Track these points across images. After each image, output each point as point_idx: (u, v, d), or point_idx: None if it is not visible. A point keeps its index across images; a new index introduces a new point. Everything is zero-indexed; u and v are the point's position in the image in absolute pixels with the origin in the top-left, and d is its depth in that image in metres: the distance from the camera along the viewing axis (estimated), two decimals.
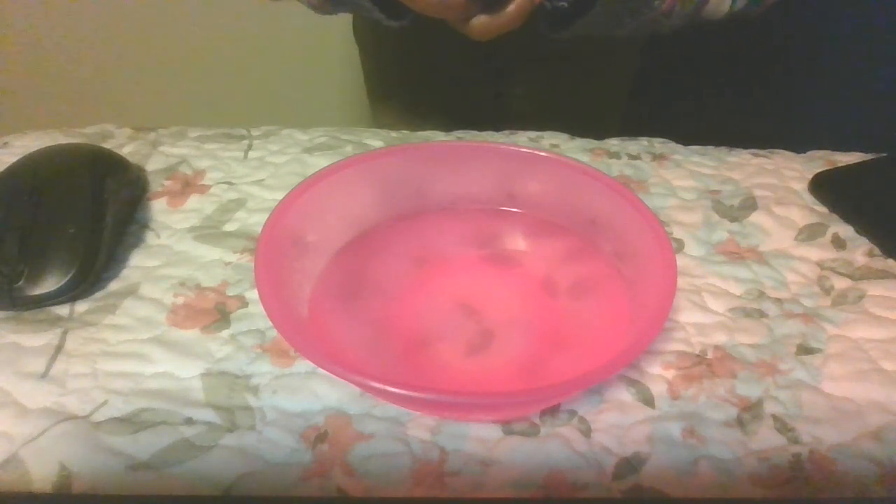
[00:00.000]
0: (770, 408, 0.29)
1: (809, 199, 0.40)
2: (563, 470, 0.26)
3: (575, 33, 0.41)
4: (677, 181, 0.41)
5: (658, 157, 0.43)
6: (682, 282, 0.34)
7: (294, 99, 1.12)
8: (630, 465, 0.27)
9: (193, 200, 0.39)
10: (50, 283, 0.31)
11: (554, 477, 0.26)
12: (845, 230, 0.38)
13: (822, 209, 0.39)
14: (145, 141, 0.43)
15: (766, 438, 0.28)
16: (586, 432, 0.28)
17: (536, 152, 0.34)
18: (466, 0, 0.35)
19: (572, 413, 0.28)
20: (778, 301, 0.34)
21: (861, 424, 0.28)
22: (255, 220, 0.37)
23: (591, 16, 0.39)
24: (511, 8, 0.36)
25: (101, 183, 0.35)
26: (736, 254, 0.36)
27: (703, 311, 0.33)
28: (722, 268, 0.35)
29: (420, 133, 0.45)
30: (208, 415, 0.28)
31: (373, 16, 0.40)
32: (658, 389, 0.29)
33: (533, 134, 0.45)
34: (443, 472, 0.26)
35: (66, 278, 0.31)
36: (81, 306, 0.32)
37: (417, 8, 0.36)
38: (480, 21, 0.36)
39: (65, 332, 0.31)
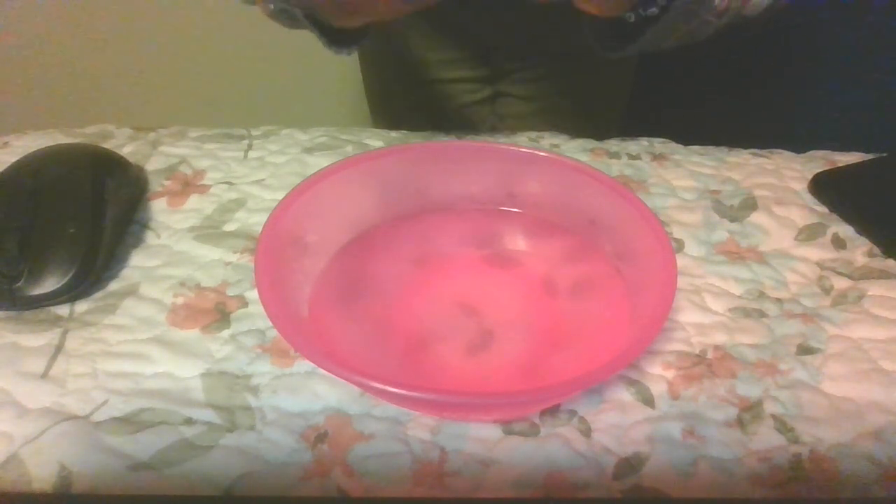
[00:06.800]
0: (770, 408, 0.29)
1: (809, 199, 0.40)
2: (563, 470, 0.26)
3: (633, 51, 0.37)
4: (677, 181, 0.41)
5: (658, 157, 0.43)
6: (682, 282, 0.34)
7: (294, 99, 1.12)
8: (630, 465, 0.26)
9: (193, 200, 0.39)
10: (50, 283, 0.31)
11: (554, 477, 0.26)
12: (845, 230, 0.38)
13: (822, 209, 0.39)
14: (145, 141, 0.43)
15: (766, 438, 0.28)
16: (586, 432, 0.28)
17: (536, 152, 0.34)
18: None
19: (572, 413, 0.28)
20: (778, 301, 0.34)
21: (861, 424, 0.28)
22: (255, 220, 0.37)
23: (657, 27, 0.35)
24: None
25: (101, 183, 0.35)
26: (736, 254, 0.36)
27: (703, 311, 0.33)
28: (722, 268, 0.35)
29: (420, 133, 0.45)
30: (208, 415, 0.28)
31: (319, 38, 0.35)
32: (658, 389, 0.29)
33: (533, 134, 0.45)
34: (443, 472, 0.26)
35: (66, 278, 0.31)
36: (81, 306, 0.32)
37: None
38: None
39: (65, 332, 0.31)
